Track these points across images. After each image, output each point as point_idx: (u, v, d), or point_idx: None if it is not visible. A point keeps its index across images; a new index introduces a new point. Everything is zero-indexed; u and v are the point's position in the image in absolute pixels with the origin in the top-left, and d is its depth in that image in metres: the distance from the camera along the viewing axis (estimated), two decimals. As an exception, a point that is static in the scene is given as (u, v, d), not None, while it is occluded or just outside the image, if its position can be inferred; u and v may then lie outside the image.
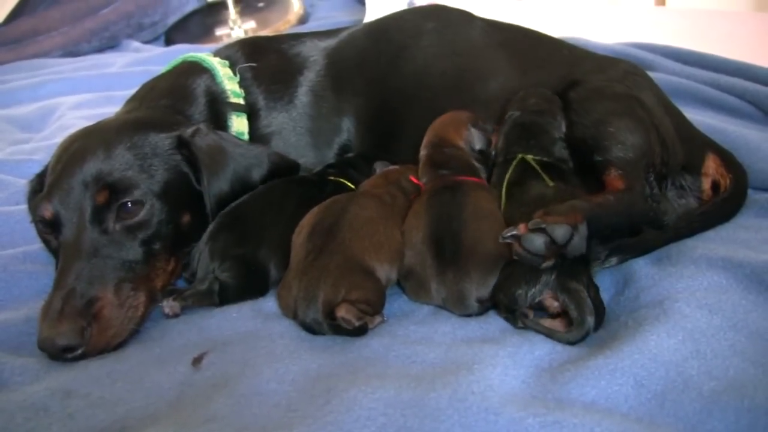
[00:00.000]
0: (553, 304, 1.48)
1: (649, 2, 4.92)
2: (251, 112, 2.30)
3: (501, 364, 1.33)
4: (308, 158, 2.28)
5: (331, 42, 2.47)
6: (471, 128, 1.97)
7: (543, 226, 1.43)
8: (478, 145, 1.95)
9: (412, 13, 2.50)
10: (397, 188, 1.87)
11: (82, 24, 5.07)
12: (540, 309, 1.50)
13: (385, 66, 2.35)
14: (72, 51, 5.00)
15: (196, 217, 1.88)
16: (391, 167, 2.00)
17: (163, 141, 1.89)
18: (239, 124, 2.24)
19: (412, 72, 2.32)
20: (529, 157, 1.81)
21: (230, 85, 2.27)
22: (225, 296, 1.69)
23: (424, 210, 1.73)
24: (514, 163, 1.81)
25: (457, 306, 1.58)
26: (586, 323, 1.42)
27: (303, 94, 2.35)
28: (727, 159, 2.08)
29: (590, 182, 1.85)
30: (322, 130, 2.33)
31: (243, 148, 2.03)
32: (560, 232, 1.43)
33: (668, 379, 1.28)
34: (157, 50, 4.66)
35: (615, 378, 1.28)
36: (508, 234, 1.46)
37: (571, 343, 1.43)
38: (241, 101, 2.28)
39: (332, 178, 2.01)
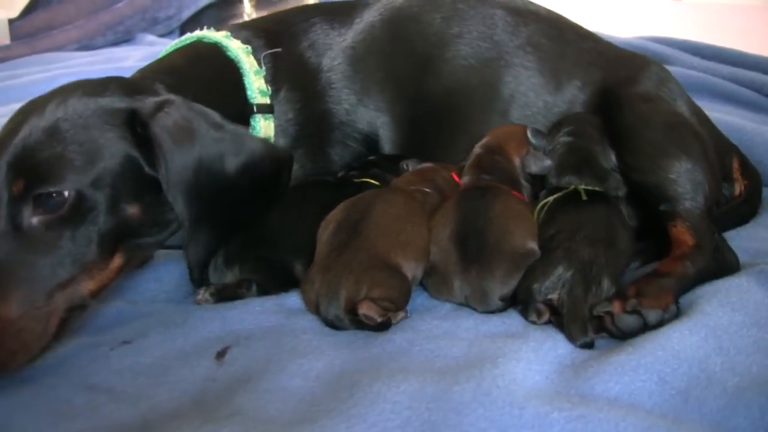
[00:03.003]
0: (556, 298, 1.50)
1: (666, -4, 4.93)
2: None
3: (524, 359, 1.34)
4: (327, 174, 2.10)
5: (346, 35, 2.20)
6: (532, 151, 1.93)
7: (639, 309, 1.44)
8: (535, 169, 1.90)
9: (432, 9, 2.26)
10: (431, 185, 1.85)
11: (97, 18, 5.09)
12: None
13: (410, 83, 2.18)
14: (87, 45, 5.03)
15: (152, 207, 1.61)
16: (426, 165, 1.97)
17: (112, 114, 1.57)
18: (267, 128, 1.98)
19: (438, 90, 2.17)
20: (582, 187, 1.79)
21: (257, 81, 1.99)
22: (254, 292, 1.68)
23: (452, 207, 1.72)
24: (562, 193, 1.79)
25: (479, 303, 1.58)
26: (572, 333, 1.43)
27: (327, 107, 2.11)
28: (744, 162, 2.09)
29: (641, 209, 1.88)
30: (347, 150, 2.13)
31: (221, 132, 1.67)
32: (654, 316, 1.44)
33: (692, 375, 1.28)
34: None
35: (638, 374, 1.28)
36: (603, 310, 1.45)
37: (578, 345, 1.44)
38: (268, 101, 2.01)
39: (356, 180, 1.95)
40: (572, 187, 1.81)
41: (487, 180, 1.83)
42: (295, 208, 1.81)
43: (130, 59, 4.30)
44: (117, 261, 1.58)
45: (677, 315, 1.48)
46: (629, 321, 1.43)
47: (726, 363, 1.30)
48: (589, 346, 1.42)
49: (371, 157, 2.09)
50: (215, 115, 1.70)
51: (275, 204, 1.78)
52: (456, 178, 1.91)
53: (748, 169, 2.09)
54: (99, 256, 1.53)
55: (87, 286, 1.52)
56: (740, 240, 1.83)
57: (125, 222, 1.56)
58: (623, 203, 1.84)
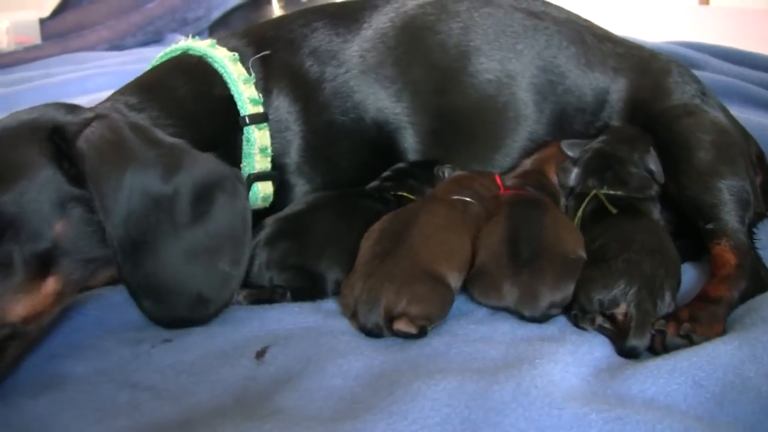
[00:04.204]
0: (621, 312, 1.49)
1: (693, 1, 4.91)
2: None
3: (562, 361, 1.35)
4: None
5: (352, 42, 2.05)
6: (567, 166, 1.92)
7: (691, 335, 1.45)
8: (570, 182, 1.90)
9: (448, 18, 2.13)
10: (471, 194, 1.82)
11: (128, 18, 5.13)
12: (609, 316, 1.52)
13: (431, 96, 2.05)
14: (117, 45, 5.06)
15: (83, 225, 1.46)
16: (461, 173, 1.93)
17: (36, 130, 1.47)
18: (262, 138, 1.85)
19: (464, 105, 2.07)
20: (602, 192, 1.80)
21: (247, 90, 1.86)
22: (288, 299, 1.68)
23: (503, 216, 1.72)
24: (588, 198, 1.81)
25: (528, 307, 1.56)
26: (628, 343, 1.44)
27: (332, 118, 1.97)
28: (761, 154, 2.11)
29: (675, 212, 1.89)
30: (360, 160, 2.01)
31: (157, 148, 1.53)
32: (702, 341, 1.44)
33: (726, 380, 1.29)
34: (202, 45, 4.69)
35: (674, 377, 1.29)
36: (658, 328, 1.46)
37: (621, 353, 1.45)
38: (261, 109, 1.87)
39: (392, 192, 1.90)
40: (593, 192, 1.82)
41: (533, 192, 1.84)
42: (344, 220, 1.78)
43: (161, 60, 4.32)
44: (51, 284, 1.44)
45: None
46: (678, 343, 1.44)
47: (760, 369, 1.31)
48: (636, 356, 1.44)
49: (402, 165, 2.01)
50: (151, 131, 1.59)
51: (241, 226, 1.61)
52: (498, 181, 1.91)
53: (763, 161, 2.10)
54: (25, 279, 1.40)
55: (15, 311, 1.39)
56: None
57: (52, 241, 1.43)
58: (658, 208, 1.85)
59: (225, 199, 1.58)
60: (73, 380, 1.42)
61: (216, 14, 5.38)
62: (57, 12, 5.45)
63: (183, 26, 5.25)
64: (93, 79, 3.94)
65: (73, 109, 1.56)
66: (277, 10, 5.25)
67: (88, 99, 3.62)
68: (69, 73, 4.12)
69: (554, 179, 1.93)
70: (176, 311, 1.54)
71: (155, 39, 5.18)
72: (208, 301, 1.55)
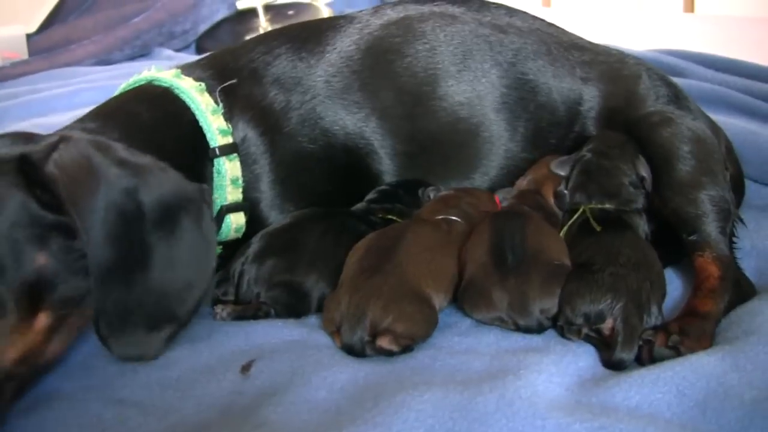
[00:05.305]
0: (608, 327, 1.49)
1: (677, 9, 4.92)
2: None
3: (546, 371, 1.35)
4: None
5: (317, 67, 2.01)
6: (562, 191, 1.89)
7: (679, 347, 1.45)
8: (566, 206, 1.87)
9: (414, 39, 2.09)
10: (458, 212, 1.81)
11: (114, 32, 5.11)
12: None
13: (402, 121, 2.02)
14: (104, 59, 5.03)
15: (64, 254, 1.39)
16: (449, 192, 1.93)
17: (2, 165, 1.38)
18: (233, 169, 1.83)
19: (436, 128, 2.04)
20: (589, 207, 1.79)
21: (216, 121, 1.82)
22: (272, 316, 1.68)
23: (486, 228, 1.71)
24: (576, 215, 1.79)
25: (520, 313, 1.55)
26: (615, 355, 1.44)
27: (301, 147, 1.94)
28: (729, 146, 2.12)
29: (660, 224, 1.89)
30: (334, 185, 1.99)
31: (125, 167, 1.46)
32: (688, 353, 1.45)
33: (709, 389, 1.29)
34: (189, 58, 4.67)
35: (657, 386, 1.30)
36: (646, 338, 1.47)
37: (608, 365, 1.46)
38: (230, 139, 1.84)
39: (381, 215, 1.88)
40: (581, 209, 1.81)
41: (524, 208, 1.82)
42: (331, 236, 1.77)
43: (148, 74, 4.31)
44: (42, 321, 1.37)
45: None
46: (665, 354, 1.45)
47: (743, 378, 1.31)
48: (623, 368, 1.44)
49: (386, 187, 1.99)
50: (118, 148, 1.51)
51: (205, 249, 1.56)
52: (497, 200, 1.92)
53: (732, 154, 2.11)
54: (16, 318, 1.33)
55: (8, 354, 1.32)
56: (757, 256, 1.86)
57: (36, 274, 1.35)
58: (644, 220, 1.84)
59: (191, 216, 1.53)
60: (60, 397, 1.42)
61: (203, 27, 5.38)
62: (44, 27, 5.43)
63: (170, 40, 5.25)
64: (80, 94, 3.90)
65: (28, 137, 1.48)
66: (263, 22, 5.24)
67: (75, 114, 3.54)
68: (56, 89, 4.10)
69: (550, 198, 1.92)
70: (139, 331, 1.47)
71: (143, 53, 5.17)
72: (174, 318, 1.50)
